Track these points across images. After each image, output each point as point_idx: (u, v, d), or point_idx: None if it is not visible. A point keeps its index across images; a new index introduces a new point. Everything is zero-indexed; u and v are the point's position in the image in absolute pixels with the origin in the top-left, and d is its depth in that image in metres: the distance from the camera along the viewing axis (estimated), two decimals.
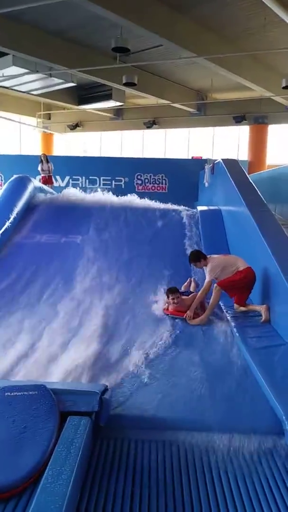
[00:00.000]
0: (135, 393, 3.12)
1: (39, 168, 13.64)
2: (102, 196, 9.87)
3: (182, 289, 5.30)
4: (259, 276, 4.89)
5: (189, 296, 4.96)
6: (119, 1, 9.47)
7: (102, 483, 2.30)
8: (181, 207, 8.94)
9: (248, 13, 10.88)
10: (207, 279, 4.89)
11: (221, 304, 4.99)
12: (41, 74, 14.53)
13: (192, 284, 5.45)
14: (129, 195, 10.00)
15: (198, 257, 5.04)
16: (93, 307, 4.94)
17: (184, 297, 4.93)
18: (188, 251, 6.81)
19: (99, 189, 11.39)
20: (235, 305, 4.90)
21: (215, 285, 4.77)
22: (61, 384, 3.01)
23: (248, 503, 2.22)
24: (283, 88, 13.80)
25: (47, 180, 13.54)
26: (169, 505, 2.19)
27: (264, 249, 4.93)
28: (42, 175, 13.62)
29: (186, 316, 4.67)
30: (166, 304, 4.94)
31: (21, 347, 3.81)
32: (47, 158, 13.88)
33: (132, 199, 9.57)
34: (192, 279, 5.53)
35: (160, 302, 5.07)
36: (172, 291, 4.86)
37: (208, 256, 5.08)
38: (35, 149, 23.69)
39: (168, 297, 4.86)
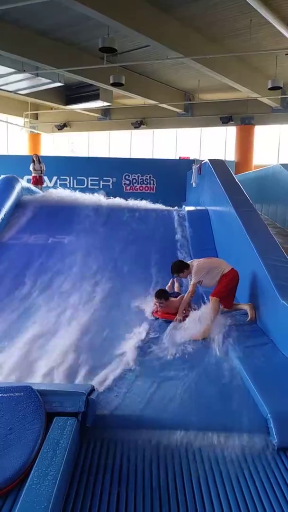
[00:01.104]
0: (122, 393, 3.12)
1: (31, 168, 13.64)
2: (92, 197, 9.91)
3: (166, 289, 5.29)
4: (245, 276, 4.93)
5: (177, 298, 4.96)
6: (105, 1, 9.49)
7: (88, 483, 2.30)
8: (169, 207, 8.98)
9: (235, 14, 10.98)
10: (192, 281, 4.81)
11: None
12: (28, 73, 14.47)
13: (176, 284, 5.46)
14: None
15: (181, 267, 4.92)
16: (81, 306, 4.94)
17: (172, 299, 4.92)
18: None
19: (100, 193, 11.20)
20: (221, 306, 4.91)
21: (211, 297, 4.63)
22: (48, 385, 3.00)
23: (234, 503, 2.24)
24: (269, 89, 13.95)
25: (37, 180, 13.54)
26: (155, 506, 2.20)
27: (250, 248, 4.98)
28: (34, 174, 13.59)
29: (176, 321, 4.66)
30: (155, 307, 4.94)
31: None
32: (39, 159, 13.91)
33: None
34: (175, 279, 5.50)
35: (148, 305, 5.08)
36: (157, 295, 4.84)
37: (190, 261, 5.05)
38: (23, 149, 23.56)
39: (156, 298, 4.86)
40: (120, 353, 3.74)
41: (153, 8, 10.66)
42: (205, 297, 5.07)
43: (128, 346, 3.87)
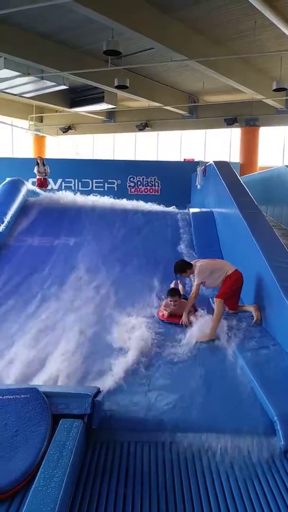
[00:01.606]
0: (128, 395, 3.13)
1: (35, 171, 13.71)
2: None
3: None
4: (251, 277, 4.92)
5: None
6: (109, 4, 9.51)
7: (94, 485, 2.30)
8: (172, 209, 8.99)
9: (239, 16, 10.97)
10: (196, 282, 4.81)
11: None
12: (33, 77, 14.53)
13: (180, 286, 5.44)
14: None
15: (183, 267, 4.93)
16: (85, 307, 4.95)
17: (183, 300, 4.94)
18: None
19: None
20: (226, 307, 4.90)
21: (216, 298, 4.61)
22: (54, 387, 3.00)
23: (240, 504, 2.23)
24: (274, 90, 13.91)
25: (42, 183, 13.61)
26: (161, 507, 2.20)
27: (256, 250, 4.96)
28: (38, 177, 13.66)
29: (181, 323, 4.65)
30: (162, 310, 4.93)
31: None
32: (43, 161, 13.98)
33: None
34: (178, 281, 5.49)
35: (153, 307, 5.08)
36: (171, 294, 4.84)
37: (193, 262, 5.05)
38: (28, 152, 23.65)
39: (168, 296, 4.86)
40: (125, 355, 3.73)
41: (156, 10, 10.68)
42: (211, 300, 5.06)
43: (133, 348, 3.86)
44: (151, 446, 2.65)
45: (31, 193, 9.49)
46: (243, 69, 14.62)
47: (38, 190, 10.69)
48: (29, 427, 2.36)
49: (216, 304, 4.56)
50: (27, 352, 3.77)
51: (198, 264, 4.88)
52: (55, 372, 3.39)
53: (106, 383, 3.21)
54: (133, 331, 4.26)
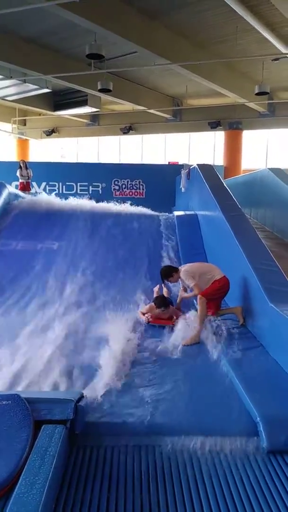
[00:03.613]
0: (112, 399, 3.11)
1: (18, 174, 13.65)
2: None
3: (154, 295, 5.27)
4: (235, 280, 4.94)
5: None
6: (91, 8, 9.52)
7: (78, 491, 2.27)
8: (156, 212, 9.00)
9: (221, 21, 11.10)
10: (192, 283, 4.71)
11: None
12: (16, 80, 14.45)
13: (164, 289, 5.44)
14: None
15: (169, 272, 4.92)
16: (69, 313, 4.91)
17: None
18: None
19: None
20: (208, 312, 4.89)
21: (199, 296, 4.56)
22: (36, 393, 2.97)
23: (223, 506, 2.23)
24: (256, 94, 14.09)
25: (25, 186, 13.55)
26: None
27: (239, 252, 5.00)
28: (21, 181, 13.59)
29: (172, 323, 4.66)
30: (144, 312, 4.92)
31: None
32: (26, 165, 13.94)
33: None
34: (163, 285, 5.45)
35: (139, 309, 5.08)
36: (158, 305, 4.80)
37: (180, 267, 5.04)
38: (11, 155, 23.46)
39: (156, 308, 4.82)
40: (109, 359, 3.71)
41: (140, 14, 10.73)
42: (195, 301, 5.07)
43: (118, 352, 3.84)
44: (135, 450, 2.63)
45: (13, 196, 9.41)
46: (226, 73, 14.78)
47: (21, 193, 10.61)
48: (11, 434, 2.33)
49: (199, 303, 4.52)
50: (10, 357, 3.72)
51: (183, 269, 4.88)
52: (38, 376, 3.35)
53: (89, 387, 3.19)
54: (117, 334, 4.24)
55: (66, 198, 10.28)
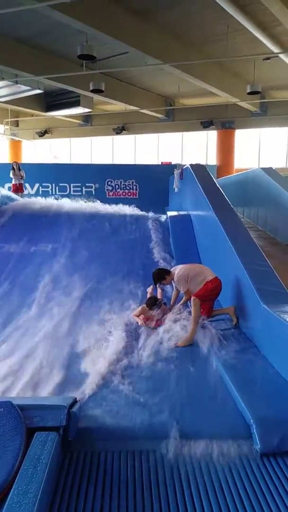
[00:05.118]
0: (104, 404, 3.09)
1: (11, 175, 13.61)
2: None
3: (148, 295, 5.26)
4: (228, 280, 4.95)
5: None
6: (82, 9, 9.49)
7: (71, 498, 2.26)
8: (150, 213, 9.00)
9: (212, 21, 11.10)
10: (183, 289, 4.76)
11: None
12: (7, 81, 14.39)
13: (158, 290, 5.43)
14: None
15: (162, 275, 4.93)
16: (60, 316, 4.90)
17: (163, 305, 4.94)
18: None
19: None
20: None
21: (193, 297, 4.55)
22: (28, 399, 2.95)
23: (217, 510, 2.23)
24: (248, 94, 14.12)
25: (18, 188, 13.53)
26: None
27: (232, 253, 5.01)
28: (14, 182, 13.58)
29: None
30: (138, 314, 4.91)
31: None
32: (19, 166, 13.95)
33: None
34: (157, 286, 5.44)
35: (130, 311, 5.07)
36: (150, 306, 4.82)
37: (172, 269, 5.03)
38: (3, 156, 23.35)
39: (149, 309, 4.83)
40: (100, 362, 3.70)
41: (130, 15, 10.71)
42: (189, 303, 5.07)
43: (110, 355, 3.84)
44: (129, 455, 2.62)
45: (5, 198, 9.38)
46: (218, 73, 14.80)
47: (13, 195, 10.57)
48: (3, 442, 2.31)
49: (193, 305, 4.50)
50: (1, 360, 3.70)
51: (176, 271, 4.87)
52: (29, 382, 3.34)
53: (81, 392, 3.18)
54: (109, 337, 4.23)
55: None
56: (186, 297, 4.74)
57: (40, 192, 15.58)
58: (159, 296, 5.32)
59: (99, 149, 24.02)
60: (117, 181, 16.14)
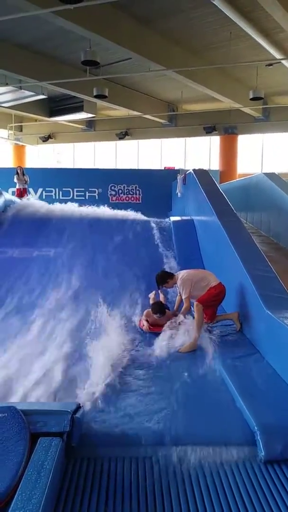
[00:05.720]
0: (108, 410, 3.09)
1: (15, 180, 13.64)
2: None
3: (151, 302, 5.27)
4: (231, 286, 4.94)
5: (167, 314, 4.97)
6: (85, 15, 9.55)
7: (74, 504, 2.26)
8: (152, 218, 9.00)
9: (214, 27, 11.16)
10: (185, 295, 4.76)
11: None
12: (11, 86, 14.48)
13: (161, 295, 5.43)
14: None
15: (165, 278, 4.94)
16: (64, 320, 4.91)
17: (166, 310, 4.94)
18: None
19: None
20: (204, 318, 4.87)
21: (196, 302, 4.55)
22: (32, 404, 2.95)
23: None
24: (251, 99, 14.16)
25: (22, 193, 13.54)
26: None
27: (235, 258, 5.01)
28: (18, 187, 13.60)
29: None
30: (143, 320, 4.91)
31: None
32: (23, 171, 13.97)
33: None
34: (159, 291, 5.45)
35: (134, 317, 5.07)
36: (155, 311, 4.81)
37: (176, 274, 5.04)
38: (7, 161, 23.45)
39: (153, 314, 4.83)
40: (105, 368, 3.69)
41: (133, 21, 10.78)
42: (192, 309, 5.07)
43: (113, 361, 3.83)
44: (132, 462, 2.62)
45: (9, 202, 9.41)
46: (220, 79, 14.85)
47: (17, 200, 10.60)
48: (7, 447, 2.31)
49: (196, 310, 4.51)
50: (4, 369, 3.70)
51: (180, 276, 4.87)
52: (32, 388, 3.34)
53: (84, 398, 3.17)
54: (112, 342, 4.23)
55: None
56: (186, 304, 4.74)
57: (44, 197, 15.62)
58: (162, 300, 5.32)
59: (102, 154, 24.10)
60: (120, 186, 16.17)
